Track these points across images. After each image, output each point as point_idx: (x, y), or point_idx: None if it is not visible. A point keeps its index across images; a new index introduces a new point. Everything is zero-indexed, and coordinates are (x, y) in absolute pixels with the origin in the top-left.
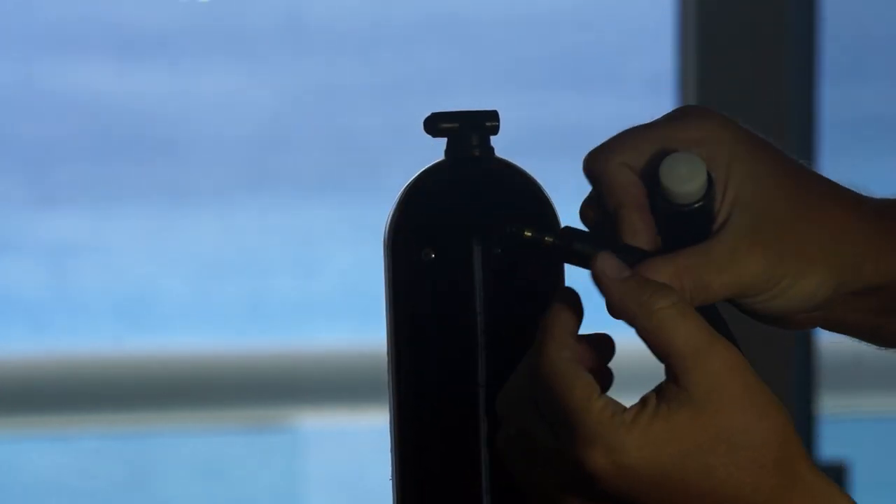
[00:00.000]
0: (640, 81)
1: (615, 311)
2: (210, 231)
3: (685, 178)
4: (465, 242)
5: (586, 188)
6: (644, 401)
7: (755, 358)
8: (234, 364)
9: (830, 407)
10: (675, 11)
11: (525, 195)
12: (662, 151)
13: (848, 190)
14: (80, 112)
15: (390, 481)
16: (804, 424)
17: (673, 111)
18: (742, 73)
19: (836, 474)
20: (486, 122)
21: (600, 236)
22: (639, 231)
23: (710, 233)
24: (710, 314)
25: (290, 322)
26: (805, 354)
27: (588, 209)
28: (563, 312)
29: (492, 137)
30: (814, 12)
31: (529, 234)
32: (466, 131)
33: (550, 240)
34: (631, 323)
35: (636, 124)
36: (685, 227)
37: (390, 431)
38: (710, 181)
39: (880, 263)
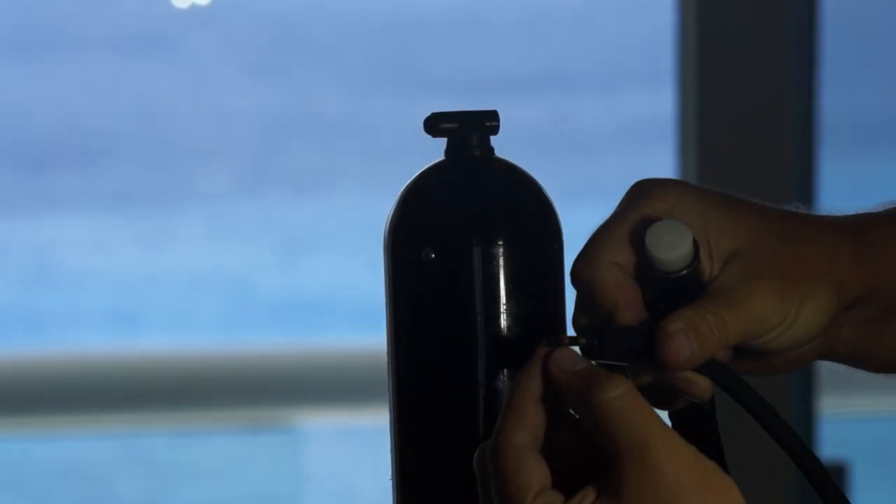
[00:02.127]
0: (641, 81)
1: (567, 400)
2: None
3: (673, 245)
4: (465, 242)
5: (584, 187)
6: (583, 495)
7: None
8: (234, 364)
9: (830, 407)
10: (675, 12)
11: (525, 195)
12: (641, 237)
13: (807, 213)
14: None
15: (390, 481)
16: (804, 424)
17: (630, 191)
18: (742, 72)
19: (836, 474)
20: (485, 122)
21: (618, 329)
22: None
23: (705, 294)
24: (724, 375)
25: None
26: None
27: (580, 317)
28: (528, 392)
29: (491, 137)
30: (814, 13)
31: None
32: (466, 131)
33: (584, 341)
34: (579, 412)
35: (603, 221)
36: (680, 294)
37: (390, 431)
38: (696, 245)
39: (862, 272)
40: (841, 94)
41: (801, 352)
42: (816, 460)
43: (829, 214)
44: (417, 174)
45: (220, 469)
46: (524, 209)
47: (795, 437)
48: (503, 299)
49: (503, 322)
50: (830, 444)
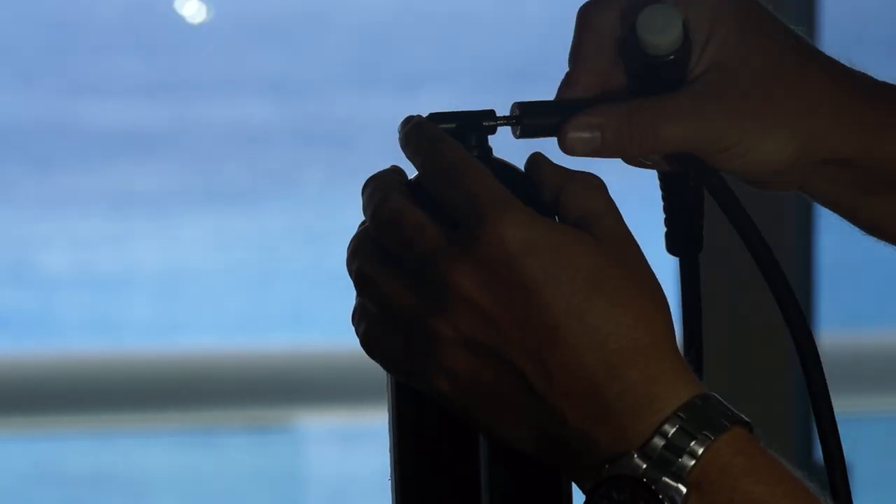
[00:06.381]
0: None
1: (413, 157)
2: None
3: (660, 29)
4: None
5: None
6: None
7: (755, 356)
8: (234, 364)
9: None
10: None
11: (522, 195)
12: (646, 4)
13: (836, 63)
14: None
15: (389, 481)
16: (804, 424)
17: None
18: None
19: None
20: (483, 121)
21: (551, 104)
22: (573, 84)
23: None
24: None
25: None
26: None
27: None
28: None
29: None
30: (814, 13)
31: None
32: (464, 131)
33: (507, 118)
34: (423, 170)
35: None
36: (658, 81)
37: (389, 431)
38: (686, 37)
39: (847, 138)
40: None
41: (771, 182)
42: (777, 265)
43: (862, 73)
44: (412, 177)
45: (221, 469)
46: None
47: (756, 233)
48: None
49: None
50: None
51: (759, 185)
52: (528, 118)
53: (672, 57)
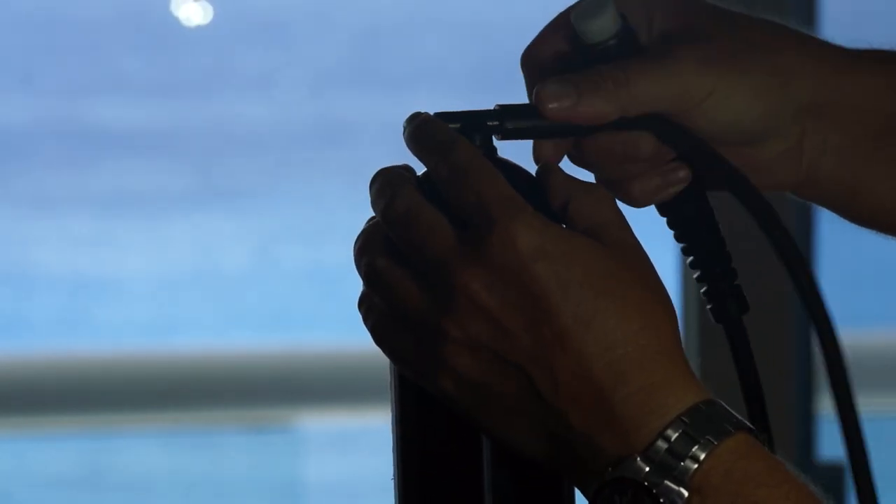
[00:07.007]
0: None
1: (424, 158)
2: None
3: (591, 13)
4: None
5: None
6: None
7: (755, 357)
8: (234, 364)
9: (830, 407)
10: None
11: (527, 195)
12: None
13: (785, 26)
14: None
15: (392, 481)
16: (804, 424)
17: None
18: None
19: (836, 474)
20: (488, 121)
21: (523, 108)
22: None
23: None
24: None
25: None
26: (805, 354)
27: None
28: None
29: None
30: (814, 13)
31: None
32: (468, 131)
33: (494, 123)
34: (437, 172)
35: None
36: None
37: (392, 431)
38: (623, 18)
39: (820, 73)
40: None
41: (764, 154)
42: (787, 233)
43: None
44: (420, 174)
45: (221, 469)
46: None
47: (762, 201)
48: None
49: None
50: (830, 444)
51: (763, 173)
52: (508, 121)
53: (613, 41)
